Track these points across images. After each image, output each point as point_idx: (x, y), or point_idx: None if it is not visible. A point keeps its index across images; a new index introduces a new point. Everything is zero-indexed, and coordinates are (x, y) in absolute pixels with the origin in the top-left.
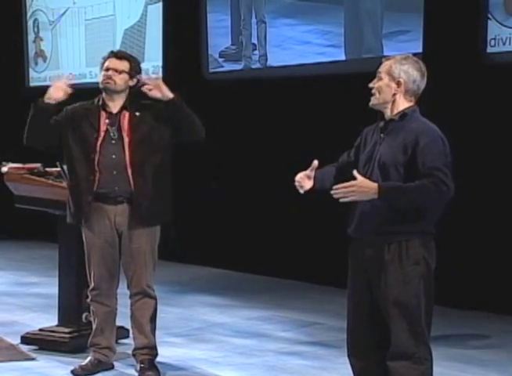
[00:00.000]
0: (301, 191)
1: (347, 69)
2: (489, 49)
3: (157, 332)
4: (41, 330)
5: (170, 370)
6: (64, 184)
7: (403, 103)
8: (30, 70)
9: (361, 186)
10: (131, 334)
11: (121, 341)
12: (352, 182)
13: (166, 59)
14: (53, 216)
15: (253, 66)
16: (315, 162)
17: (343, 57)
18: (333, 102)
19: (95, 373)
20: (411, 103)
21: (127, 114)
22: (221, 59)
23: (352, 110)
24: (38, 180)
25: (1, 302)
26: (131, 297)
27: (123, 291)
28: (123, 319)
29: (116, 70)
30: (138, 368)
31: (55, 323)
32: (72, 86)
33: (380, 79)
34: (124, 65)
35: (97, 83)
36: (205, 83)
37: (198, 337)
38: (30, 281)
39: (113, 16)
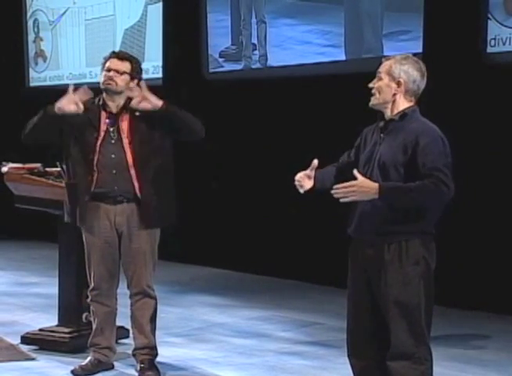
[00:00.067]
0: (301, 191)
1: (347, 69)
2: (489, 49)
3: (157, 332)
4: (41, 330)
5: (170, 370)
6: (64, 184)
7: (403, 103)
8: (30, 70)
9: (361, 186)
10: (131, 334)
11: (121, 341)
12: (353, 182)
13: (166, 59)
14: (53, 216)
15: (253, 67)
16: (315, 161)
17: (343, 57)
18: (333, 102)
19: (95, 373)
20: (411, 103)
21: (127, 114)
22: (221, 59)
23: (352, 110)
24: (38, 180)
25: (1, 302)
26: (131, 297)
27: (123, 291)
28: (123, 319)
29: (117, 71)
30: (138, 368)
31: (55, 323)
32: (85, 102)
33: (380, 79)
34: (125, 66)
35: (97, 83)
36: (205, 83)
37: (198, 337)
38: (30, 281)
39: (113, 16)
